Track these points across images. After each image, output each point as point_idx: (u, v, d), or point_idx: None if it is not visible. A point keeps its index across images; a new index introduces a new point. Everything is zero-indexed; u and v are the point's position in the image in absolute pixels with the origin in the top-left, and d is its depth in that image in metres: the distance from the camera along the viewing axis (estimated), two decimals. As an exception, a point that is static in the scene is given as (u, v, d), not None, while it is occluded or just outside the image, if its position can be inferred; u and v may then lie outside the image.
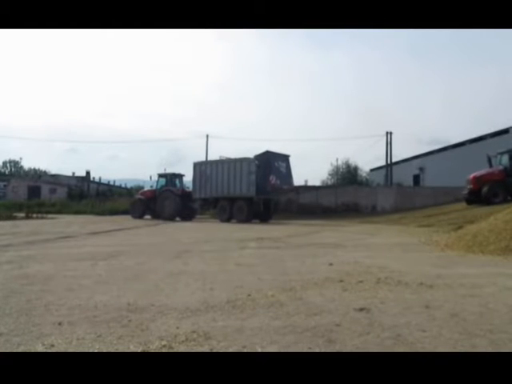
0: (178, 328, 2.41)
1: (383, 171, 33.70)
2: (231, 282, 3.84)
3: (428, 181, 33.21)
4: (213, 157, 22.23)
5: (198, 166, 19.30)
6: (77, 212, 26.17)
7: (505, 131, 26.01)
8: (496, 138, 26.78)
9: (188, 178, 20.39)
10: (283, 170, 18.12)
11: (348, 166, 38.83)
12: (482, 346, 2.14)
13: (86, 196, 36.95)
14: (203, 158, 29.09)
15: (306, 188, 27.64)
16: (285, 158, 18.51)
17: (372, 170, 42.07)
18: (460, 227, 9.41)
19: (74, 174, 44.50)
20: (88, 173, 44.72)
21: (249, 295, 3.26)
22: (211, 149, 38.50)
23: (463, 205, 16.51)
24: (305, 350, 2.06)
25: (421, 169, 35.59)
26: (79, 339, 2.22)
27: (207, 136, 35.16)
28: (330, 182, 38.42)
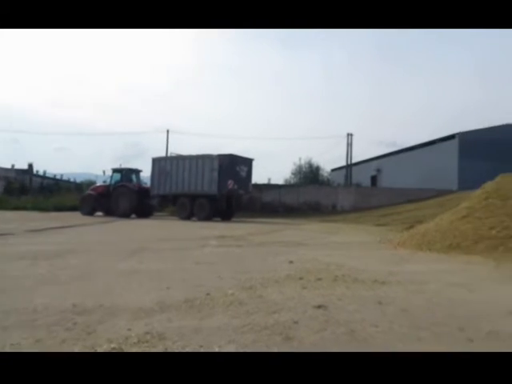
0: (129, 330, 2.30)
1: (343, 171, 34.92)
2: (189, 281, 3.76)
3: (384, 182, 34.93)
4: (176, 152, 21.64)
5: (157, 162, 18.80)
6: (16, 208, 23.63)
7: (451, 137, 28.21)
8: (444, 143, 28.97)
9: (147, 174, 19.81)
10: (243, 174, 17.93)
11: (310, 165, 39.64)
12: (426, 337, 2.29)
13: (28, 190, 34.05)
14: (164, 154, 28.38)
15: (269, 186, 27.92)
16: (248, 162, 18.36)
17: (333, 170, 43.39)
18: (411, 226, 9.98)
19: (13, 166, 40.37)
20: (31, 165, 41.19)
21: (208, 294, 3.21)
22: (174, 145, 37.59)
23: (414, 205, 17.57)
24: (263, 349, 2.06)
25: (378, 170, 37.33)
26: (14, 344, 2.03)
27: (167, 131, 34.19)
28: (292, 181, 39.08)
